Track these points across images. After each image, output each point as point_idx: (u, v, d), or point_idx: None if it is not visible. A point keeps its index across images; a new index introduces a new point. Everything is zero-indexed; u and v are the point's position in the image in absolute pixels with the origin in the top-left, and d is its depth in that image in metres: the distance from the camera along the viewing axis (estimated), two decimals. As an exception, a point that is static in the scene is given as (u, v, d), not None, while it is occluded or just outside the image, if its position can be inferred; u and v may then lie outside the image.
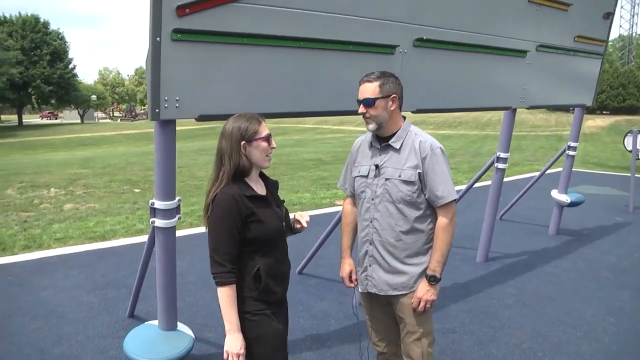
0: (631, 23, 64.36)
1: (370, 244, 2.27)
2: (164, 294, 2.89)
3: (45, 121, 57.40)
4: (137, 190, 9.23)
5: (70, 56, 51.74)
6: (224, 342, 1.87)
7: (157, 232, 2.77)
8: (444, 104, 3.91)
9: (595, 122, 32.58)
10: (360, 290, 2.39)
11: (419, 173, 2.14)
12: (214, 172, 1.93)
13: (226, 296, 1.84)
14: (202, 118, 2.55)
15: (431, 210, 2.21)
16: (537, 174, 7.41)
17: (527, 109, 4.76)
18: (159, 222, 2.71)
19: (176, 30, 2.32)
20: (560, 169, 6.52)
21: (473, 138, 25.12)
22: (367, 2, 3.03)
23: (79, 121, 54.10)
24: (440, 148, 2.19)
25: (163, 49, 2.32)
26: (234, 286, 1.85)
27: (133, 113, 63.87)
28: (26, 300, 4.04)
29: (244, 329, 1.88)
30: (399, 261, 2.22)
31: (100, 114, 68.14)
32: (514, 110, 4.74)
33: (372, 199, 2.23)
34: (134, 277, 3.59)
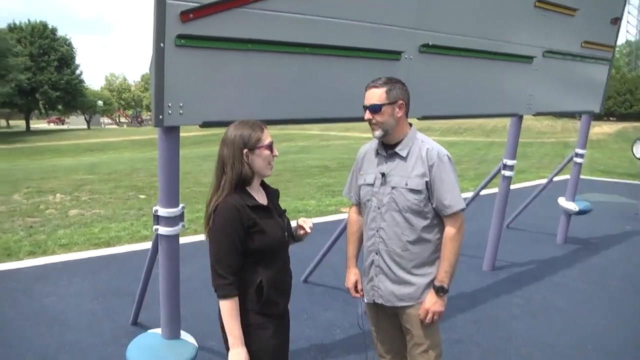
0: (638, 28, 64.23)
1: (377, 254, 2.23)
2: (167, 303, 2.85)
3: (52, 127, 57.95)
4: (142, 197, 9.23)
5: (77, 62, 52.24)
6: (227, 352, 1.84)
7: (160, 240, 2.74)
8: (450, 110, 3.87)
9: (602, 129, 32.38)
10: (366, 301, 2.35)
11: (426, 181, 2.10)
12: (215, 181, 1.89)
13: (229, 309, 1.80)
14: (206, 125, 2.52)
15: (438, 219, 2.17)
16: (543, 181, 7.33)
17: (534, 115, 4.72)
18: (163, 230, 2.68)
19: (180, 36, 2.30)
20: (567, 176, 6.45)
21: (479, 145, 25.00)
22: (372, 8, 3.00)
23: (85, 127, 54.40)
24: (448, 156, 2.15)
25: (167, 55, 2.29)
26: (236, 299, 1.81)
27: (139, 119, 64.29)
28: (29, 307, 4.03)
29: (245, 342, 1.84)
30: (405, 271, 2.18)
31: (106, 120, 68.58)
32: (521, 117, 4.70)
33: (378, 208, 2.19)
34: (138, 284, 3.56)
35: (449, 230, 2.14)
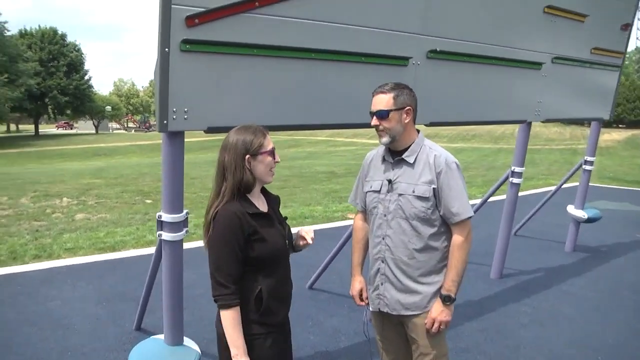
0: (648, 36, 63.68)
1: (383, 262, 2.19)
2: (170, 308, 2.83)
3: (60, 131, 58.39)
4: (148, 201, 9.25)
5: (86, 68, 52.78)
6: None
7: (164, 246, 2.72)
8: (458, 116, 3.84)
9: (611, 136, 32.15)
10: (371, 309, 2.31)
11: (433, 189, 2.07)
12: (214, 188, 1.84)
13: (231, 319, 1.76)
14: (210, 130, 2.50)
15: (446, 227, 2.13)
16: (551, 188, 7.26)
17: (542, 122, 4.67)
18: (166, 235, 2.66)
19: (185, 41, 2.29)
20: (576, 183, 6.37)
21: (487, 151, 24.90)
22: (379, 13, 2.98)
23: (93, 131, 54.88)
24: (456, 163, 2.11)
25: (172, 60, 2.28)
26: (238, 308, 1.77)
27: (147, 124, 64.63)
28: (34, 311, 4.02)
29: None
30: (412, 280, 2.14)
31: (114, 125, 69.05)
32: (529, 123, 4.65)
33: (385, 215, 2.15)
34: (143, 289, 3.54)
35: (457, 238, 2.10)
